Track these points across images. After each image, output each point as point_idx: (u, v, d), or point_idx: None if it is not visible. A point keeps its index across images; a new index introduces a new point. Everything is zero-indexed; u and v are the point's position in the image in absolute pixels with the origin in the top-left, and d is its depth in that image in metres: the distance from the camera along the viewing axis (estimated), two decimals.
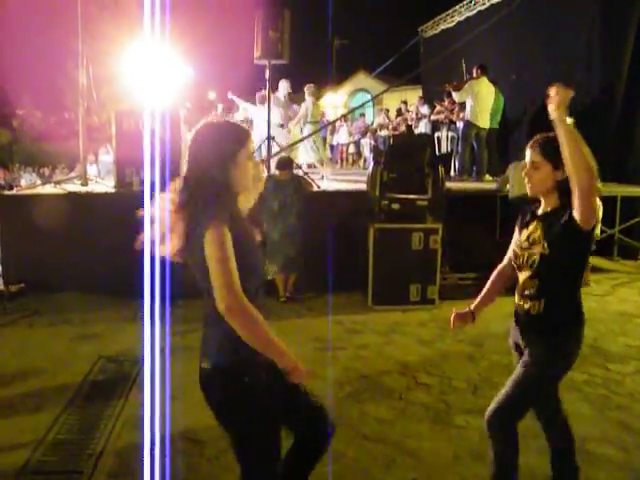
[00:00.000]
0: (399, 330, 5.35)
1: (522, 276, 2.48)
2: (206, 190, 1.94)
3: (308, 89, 9.65)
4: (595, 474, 3.04)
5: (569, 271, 2.39)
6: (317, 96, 10.18)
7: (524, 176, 2.41)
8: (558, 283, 2.38)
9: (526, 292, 2.46)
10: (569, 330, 2.42)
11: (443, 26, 14.52)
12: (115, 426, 3.49)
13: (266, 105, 8.34)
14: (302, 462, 2.33)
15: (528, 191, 2.43)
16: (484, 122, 9.38)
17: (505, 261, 2.67)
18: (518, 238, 2.52)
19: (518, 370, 2.51)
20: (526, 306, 2.46)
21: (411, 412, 3.73)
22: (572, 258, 2.36)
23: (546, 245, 2.33)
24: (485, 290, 2.75)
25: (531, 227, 2.45)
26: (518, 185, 6.46)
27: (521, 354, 2.55)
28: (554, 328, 2.40)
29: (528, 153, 2.39)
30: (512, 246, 2.59)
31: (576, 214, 2.20)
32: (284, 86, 9.52)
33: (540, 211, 2.45)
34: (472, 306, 2.77)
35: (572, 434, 2.68)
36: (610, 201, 7.36)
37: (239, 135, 2.03)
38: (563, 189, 2.29)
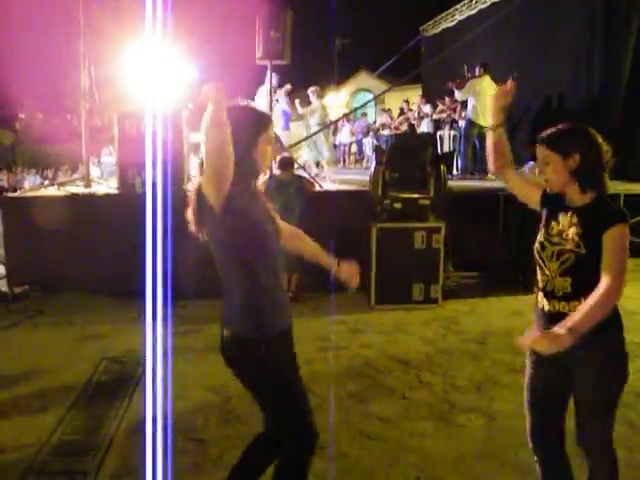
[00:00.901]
0: (402, 329, 5.35)
1: (547, 272, 2.30)
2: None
3: (314, 92, 9.65)
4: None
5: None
6: (321, 96, 10.20)
7: (538, 175, 2.35)
8: (594, 282, 2.20)
9: (559, 293, 2.27)
10: (616, 326, 2.37)
11: (444, 25, 14.52)
12: (119, 427, 3.50)
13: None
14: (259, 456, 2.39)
15: (553, 187, 2.32)
16: (486, 121, 9.35)
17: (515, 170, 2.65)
18: (545, 230, 2.35)
19: (588, 388, 2.32)
20: (563, 308, 2.27)
21: (414, 411, 3.74)
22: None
23: (582, 244, 2.21)
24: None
25: (563, 220, 2.29)
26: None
27: (554, 366, 2.31)
28: (602, 326, 2.20)
29: (537, 152, 2.33)
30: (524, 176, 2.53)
31: None
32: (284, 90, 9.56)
33: (569, 203, 2.30)
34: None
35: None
36: (614, 199, 7.35)
37: (261, 119, 2.17)
38: (582, 178, 2.22)
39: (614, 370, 2.33)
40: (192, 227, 2.14)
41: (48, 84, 17.35)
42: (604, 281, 2.15)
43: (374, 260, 5.97)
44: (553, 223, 2.32)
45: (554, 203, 2.35)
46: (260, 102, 9.72)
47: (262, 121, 2.17)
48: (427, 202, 6.08)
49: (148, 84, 6.88)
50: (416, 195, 6.08)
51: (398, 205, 6.04)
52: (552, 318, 2.26)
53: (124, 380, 4.18)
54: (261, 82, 9.53)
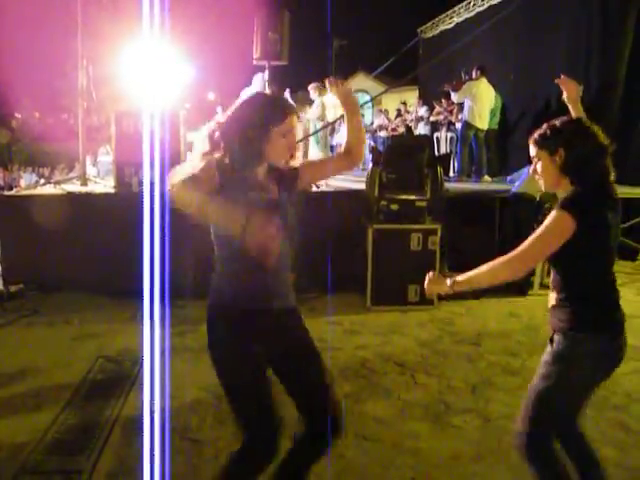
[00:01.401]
0: (398, 330, 5.35)
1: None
2: (228, 149, 2.09)
3: (315, 88, 9.62)
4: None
5: (581, 267, 2.23)
6: (322, 93, 10.18)
7: (532, 174, 2.35)
8: (573, 275, 2.24)
9: (549, 283, 2.36)
10: (585, 330, 2.26)
11: (442, 27, 14.54)
12: (114, 426, 3.49)
13: None
14: (296, 459, 2.37)
15: (542, 187, 2.33)
16: (483, 123, 9.39)
17: None
18: None
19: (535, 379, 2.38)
20: (549, 301, 2.33)
21: (410, 412, 3.74)
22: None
23: None
24: None
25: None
26: (526, 183, 6.46)
27: None
28: (565, 327, 2.24)
29: (530, 151, 2.34)
30: None
31: None
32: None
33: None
34: None
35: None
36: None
37: (278, 110, 2.12)
38: (570, 174, 2.20)
39: (555, 371, 2.26)
40: None
41: (45, 83, 17.32)
42: (508, 254, 2.16)
43: (370, 261, 5.97)
44: None
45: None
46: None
47: (279, 112, 2.12)
48: (423, 204, 6.09)
49: (146, 83, 6.88)
50: (413, 197, 6.09)
51: (394, 206, 6.05)
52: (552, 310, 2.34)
53: (120, 379, 4.17)
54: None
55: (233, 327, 2.21)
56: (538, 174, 2.30)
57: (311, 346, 2.33)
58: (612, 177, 2.28)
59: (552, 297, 2.30)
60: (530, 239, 2.14)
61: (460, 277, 2.25)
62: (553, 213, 2.13)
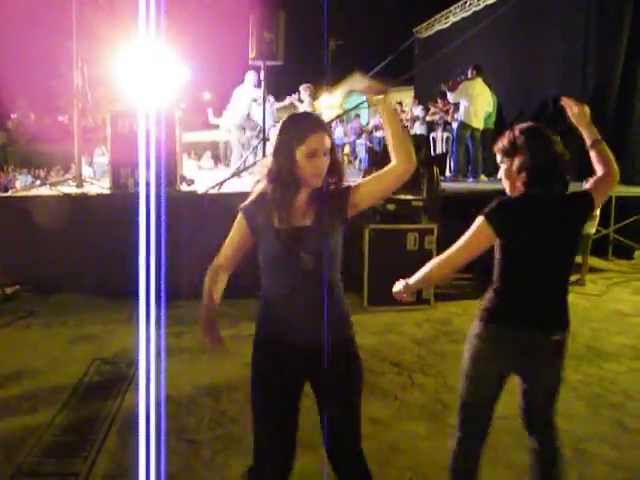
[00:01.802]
0: (394, 330, 5.36)
1: None
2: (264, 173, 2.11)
3: (307, 89, 9.63)
4: (589, 472, 3.05)
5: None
6: (314, 96, 10.20)
7: (499, 178, 2.45)
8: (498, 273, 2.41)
9: None
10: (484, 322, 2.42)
11: (438, 27, 14.57)
12: (111, 427, 3.48)
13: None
14: None
15: (507, 191, 2.42)
16: (478, 123, 9.40)
17: None
18: None
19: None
20: None
21: (407, 412, 3.74)
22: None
23: None
24: None
25: None
26: None
27: None
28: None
29: None
30: None
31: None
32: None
33: None
34: None
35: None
36: (605, 201, 7.40)
37: (300, 131, 2.03)
38: (525, 178, 2.27)
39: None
40: None
41: (41, 83, 17.28)
42: (439, 256, 2.39)
43: (366, 261, 5.97)
44: None
45: None
46: (239, 103, 9.71)
47: (299, 133, 2.03)
48: (420, 204, 6.10)
49: (141, 84, 6.87)
50: (409, 197, 6.10)
51: (391, 206, 6.05)
52: None
53: (116, 381, 4.16)
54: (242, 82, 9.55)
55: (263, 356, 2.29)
56: (504, 179, 2.41)
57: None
58: (564, 184, 2.34)
59: None
60: (456, 244, 2.33)
61: (410, 279, 2.51)
62: (477, 219, 2.29)
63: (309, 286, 2.09)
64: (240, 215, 2.17)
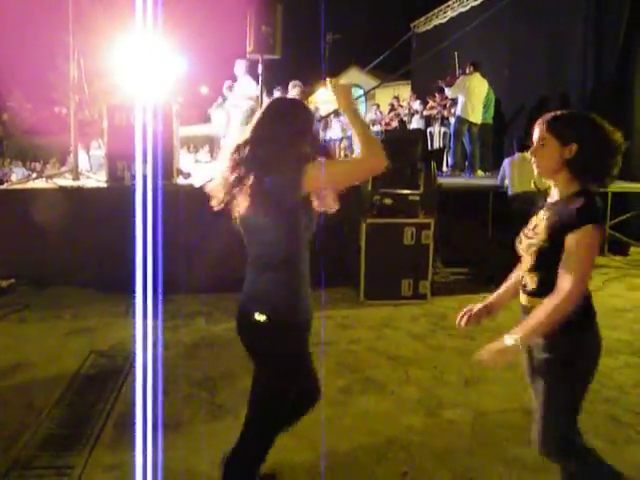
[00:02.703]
0: (391, 325, 5.36)
1: (524, 267, 2.28)
2: (270, 154, 2.13)
3: (295, 87, 9.68)
4: None
5: None
6: (304, 93, 10.19)
7: (531, 154, 2.23)
8: (556, 279, 2.10)
9: (529, 288, 2.25)
10: (573, 326, 2.12)
11: (436, 22, 14.54)
12: (107, 421, 3.48)
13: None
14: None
15: (535, 171, 2.23)
16: (476, 117, 9.40)
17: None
18: (526, 225, 2.32)
19: (539, 387, 2.27)
20: (529, 303, 2.24)
21: (402, 406, 3.75)
22: None
23: (547, 238, 2.13)
24: (505, 286, 2.48)
25: (540, 214, 2.24)
26: (518, 181, 6.48)
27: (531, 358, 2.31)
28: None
29: (535, 131, 2.23)
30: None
31: None
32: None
33: (550, 199, 2.26)
34: (487, 302, 2.49)
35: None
36: (601, 197, 7.42)
37: (310, 115, 2.27)
38: (574, 169, 2.13)
39: (563, 374, 2.20)
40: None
41: (37, 76, 17.20)
42: (564, 286, 2.03)
43: (363, 255, 5.98)
44: (534, 218, 2.28)
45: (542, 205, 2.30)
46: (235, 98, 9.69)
47: (311, 117, 2.27)
48: (417, 198, 6.10)
49: (138, 77, 6.84)
50: (406, 191, 6.10)
51: (388, 201, 6.05)
52: (525, 312, 2.26)
53: (112, 374, 4.16)
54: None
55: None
56: (537, 157, 2.20)
57: None
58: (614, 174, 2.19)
59: (535, 302, 2.20)
60: (576, 261, 2.03)
61: (522, 332, 2.09)
62: (585, 229, 2.02)
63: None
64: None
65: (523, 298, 2.30)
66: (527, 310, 2.23)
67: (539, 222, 2.21)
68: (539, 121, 2.22)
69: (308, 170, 2.10)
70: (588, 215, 2.05)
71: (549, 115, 2.21)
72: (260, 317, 2.16)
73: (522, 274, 2.31)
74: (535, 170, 2.23)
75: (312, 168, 2.11)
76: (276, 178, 2.10)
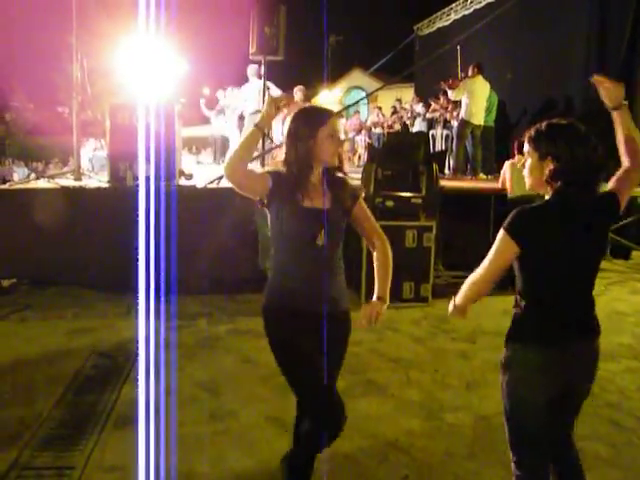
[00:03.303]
0: (392, 327, 5.35)
1: None
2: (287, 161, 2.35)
3: (298, 91, 9.75)
4: (585, 471, 3.05)
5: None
6: (305, 97, 10.24)
7: (520, 167, 2.34)
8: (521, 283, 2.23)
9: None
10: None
11: (439, 24, 14.53)
12: (107, 421, 3.48)
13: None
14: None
15: (527, 185, 2.26)
16: (479, 120, 9.40)
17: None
18: None
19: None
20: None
21: (403, 409, 3.74)
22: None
23: None
24: None
25: None
26: (517, 185, 6.47)
27: None
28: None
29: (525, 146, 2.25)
30: None
31: (621, 183, 2.20)
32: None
33: None
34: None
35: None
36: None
37: (321, 114, 2.38)
38: (553, 184, 2.11)
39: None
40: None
41: (40, 76, 17.22)
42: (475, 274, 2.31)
43: (364, 258, 5.96)
44: None
45: None
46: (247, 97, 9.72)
47: (322, 116, 2.36)
48: (419, 201, 6.10)
49: (141, 77, 6.85)
50: (408, 194, 6.10)
51: (390, 203, 6.05)
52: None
53: (113, 374, 4.15)
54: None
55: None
56: (526, 171, 2.23)
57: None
58: (600, 185, 2.17)
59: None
60: (484, 262, 2.23)
61: (457, 298, 2.41)
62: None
63: (319, 260, 2.39)
64: (266, 171, 2.43)
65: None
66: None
67: None
68: (526, 133, 2.24)
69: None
70: (504, 224, 2.14)
71: (533, 127, 2.21)
72: None
73: None
74: (527, 185, 2.26)
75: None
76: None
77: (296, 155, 2.32)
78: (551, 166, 2.09)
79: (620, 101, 2.25)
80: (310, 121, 2.34)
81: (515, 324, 2.24)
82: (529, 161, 2.20)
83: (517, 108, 10.38)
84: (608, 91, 2.27)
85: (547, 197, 2.18)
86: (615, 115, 2.28)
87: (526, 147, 2.22)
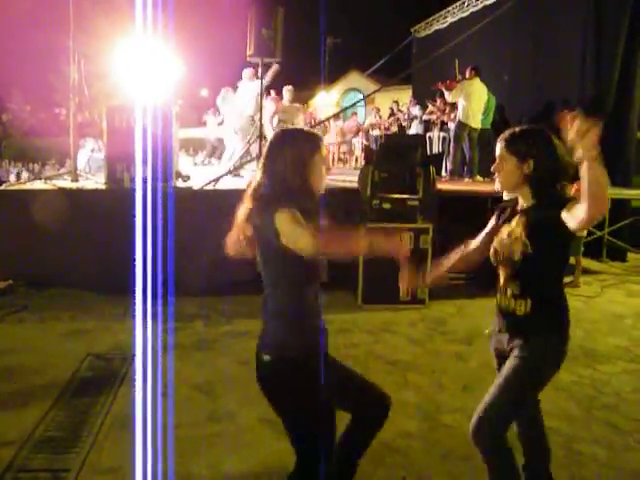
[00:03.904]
0: (389, 329, 5.36)
1: (502, 274, 2.40)
2: (281, 187, 2.12)
3: (287, 92, 9.81)
4: (582, 473, 3.06)
5: (552, 270, 2.33)
6: (293, 98, 10.28)
7: (493, 171, 2.37)
8: (541, 282, 2.32)
9: (509, 292, 2.36)
10: (557, 332, 2.35)
11: (436, 27, 14.58)
12: (103, 423, 3.47)
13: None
14: (356, 440, 2.58)
15: (496, 186, 2.38)
16: (476, 123, 9.41)
17: (471, 246, 2.65)
18: (498, 234, 2.45)
19: (504, 375, 2.39)
20: (512, 307, 2.36)
21: (400, 411, 3.73)
22: (555, 257, 2.31)
23: (528, 243, 2.25)
24: (443, 263, 2.75)
25: (513, 223, 2.36)
26: None
27: (504, 359, 2.44)
28: (542, 330, 2.33)
29: (496, 149, 2.35)
30: (480, 237, 2.62)
31: (572, 223, 2.07)
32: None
33: (519, 207, 2.38)
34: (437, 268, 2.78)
35: (548, 450, 2.63)
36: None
37: (315, 139, 2.21)
38: (534, 184, 2.26)
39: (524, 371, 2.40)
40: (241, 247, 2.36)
41: (37, 78, 17.21)
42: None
43: (361, 260, 5.97)
44: (505, 227, 2.40)
45: (508, 214, 2.44)
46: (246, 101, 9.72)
47: (315, 141, 2.21)
48: (416, 203, 6.10)
49: (138, 79, 6.84)
50: (405, 196, 6.10)
51: (387, 205, 6.06)
52: (501, 312, 2.42)
53: (109, 377, 4.14)
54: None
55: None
56: (499, 174, 2.33)
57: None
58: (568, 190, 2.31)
59: (516, 304, 2.38)
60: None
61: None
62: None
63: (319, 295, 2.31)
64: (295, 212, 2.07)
65: (501, 298, 2.41)
66: (512, 314, 2.36)
67: (513, 230, 2.33)
68: (499, 139, 2.34)
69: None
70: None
71: (507, 133, 2.33)
72: None
73: (500, 281, 2.42)
74: (497, 186, 2.37)
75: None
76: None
77: (302, 182, 2.14)
78: (532, 165, 2.22)
79: (595, 149, 1.84)
80: (308, 146, 2.17)
81: (551, 316, 2.34)
82: (504, 165, 2.29)
83: (514, 111, 10.40)
84: (581, 134, 1.82)
85: (522, 197, 2.33)
86: (586, 167, 1.87)
87: (501, 152, 2.31)
